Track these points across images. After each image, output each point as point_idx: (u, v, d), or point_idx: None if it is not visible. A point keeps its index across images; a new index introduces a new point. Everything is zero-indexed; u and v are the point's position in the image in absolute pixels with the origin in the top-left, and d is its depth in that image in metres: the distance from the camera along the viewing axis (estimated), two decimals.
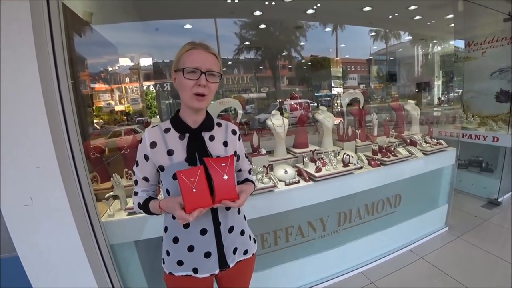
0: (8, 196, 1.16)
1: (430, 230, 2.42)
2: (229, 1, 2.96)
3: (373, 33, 5.34)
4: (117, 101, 2.72)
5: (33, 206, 1.20)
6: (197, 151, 0.94)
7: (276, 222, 1.80)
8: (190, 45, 0.91)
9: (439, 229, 2.47)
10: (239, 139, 1.09)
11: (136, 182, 1.03)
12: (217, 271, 1.00)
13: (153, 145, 0.94)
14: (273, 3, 3.14)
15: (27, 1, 1.08)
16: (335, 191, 1.88)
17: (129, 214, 1.52)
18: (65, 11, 1.29)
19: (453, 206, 2.68)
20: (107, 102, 2.45)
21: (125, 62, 3.17)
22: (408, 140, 2.36)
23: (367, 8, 3.26)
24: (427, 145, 2.30)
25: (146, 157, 0.96)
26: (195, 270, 0.98)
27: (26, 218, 1.20)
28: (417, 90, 5.12)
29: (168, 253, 1.01)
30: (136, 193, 1.04)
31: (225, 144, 1.02)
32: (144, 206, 0.99)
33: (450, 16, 2.78)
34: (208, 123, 0.99)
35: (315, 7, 3.32)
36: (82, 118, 2.01)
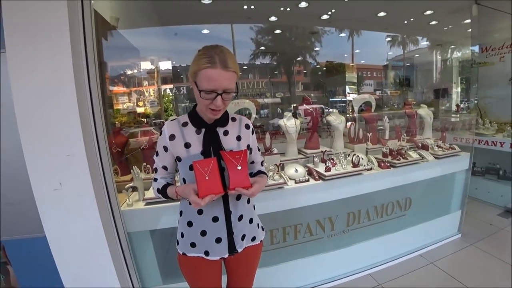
0: (40, 180, 1.29)
1: (442, 236, 2.38)
2: (245, 7, 3.07)
3: (389, 39, 5.31)
4: (135, 103, 2.88)
5: (62, 191, 1.32)
6: (211, 145, 1.02)
7: (286, 219, 1.85)
8: (208, 59, 0.89)
9: (452, 235, 2.42)
10: (252, 133, 1.16)
11: (156, 170, 1.13)
12: (226, 255, 1.07)
13: (172, 137, 1.03)
14: (288, 9, 3.23)
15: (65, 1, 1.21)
16: (344, 191, 1.91)
17: (146, 204, 1.62)
18: (96, 16, 1.42)
19: (468, 213, 2.62)
20: (125, 104, 2.60)
21: (146, 65, 3.35)
22: (420, 144, 2.35)
23: (382, 14, 3.27)
24: (439, 149, 2.28)
25: (166, 148, 1.05)
26: (207, 253, 1.06)
27: (55, 201, 1.32)
28: (435, 96, 5.03)
29: (182, 235, 1.10)
30: (155, 180, 1.13)
31: (238, 138, 1.09)
32: (163, 191, 1.08)
33: (468, 21, 2.75)
34: (222, 119, 1.06)
35: (329, 13, 3.38)
36: (106, 116, 2.16)
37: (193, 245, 1.07)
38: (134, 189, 1.74)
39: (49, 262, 1.36)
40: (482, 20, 2.63)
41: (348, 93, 7.74)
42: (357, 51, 5.40)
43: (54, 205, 1.33)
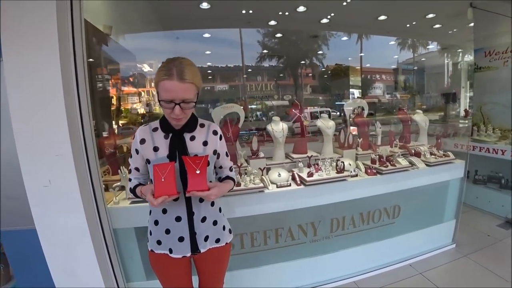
0: (32, 177, 1.40)
1: (434, 246, 2.32)
2: (243, 11, 3.14)
3: (392, 42, 5.21)
4: (132, 106, 3.03)
5: (51, 188, 1.43)
6: (177, 149, 1.09)
7: (267, 222, 1.88)
8: (166, 71, 0.95)
9: (445, 245, 2.35)
10: (220, 139, 1.21)
11: (130, 171, 1.22)
12: (188, 254, 1.14)
13: (142, 141, 1.11)
14: (287, 13, 3.27)
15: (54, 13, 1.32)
16: (326, 197, 1.92)
17: (132, 203, 1.71)
18: (87, 25, 1.53)
19: (465, 223, 2.55)
20: (121, 106, 2.73)
21: (144, 68, 3.49)
22: (413, 151, 2.31)
23: (382, 17, 3.24)
24: (432, 156, 2.23)
25: (137, 151, 1.14)
26: (170, 251, 1.13)
27: (44, 197, 1.43)
28: (445, 101, 4.90)
29: (150, 233, 1.18)
30: (130, 180, 1.22)
31: (205, 143, 1.15)
32: (133, 190, 1.16)
33: (471, 24, 2.67)
34: (190, 125, 1.13)
35: (329, 17, 3.38)
36: (102, 118, 2.29)
37: (159, 242, 1.14)
38: (122, 188, 1.83)
39: (39, 252, 1.47)
40: (485, 24, 2.55)
41: (358, 97, 7.64)
42: (361, 54, 5.33)
43: (43, 201, 1.44)
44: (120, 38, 2.61)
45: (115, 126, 2.53)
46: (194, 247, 1.14)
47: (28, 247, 1.48)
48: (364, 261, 2.13)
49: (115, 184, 1.76)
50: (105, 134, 2.28)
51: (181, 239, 1.12)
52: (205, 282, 1.31)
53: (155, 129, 1.13)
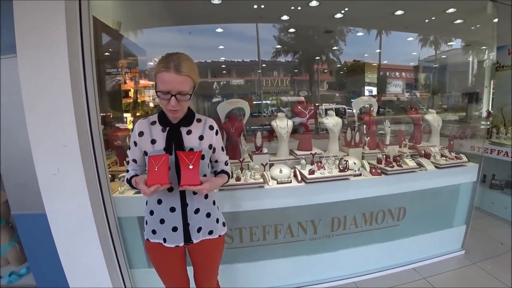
0: (42, 165, 1.50)
1: (441, 251, 2.23)
2: (255, 6, 3.11)
3: (411, 38, 4.97)
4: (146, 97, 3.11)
5: (59, 176, 1.52)
6: (174, 142, 1.13)
7: (266, 218, 1.89)
8: (164, 64, 0.99)
9: (454, 251, 2.26)
10: (216, 134, 1.24)
11: (128, 162, 1.26)
12: (181, 244, 1.17)
13: (140, 134, 1.16)
14: (299, 8, 3.21)
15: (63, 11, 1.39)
16: (326, 195, 1.90)
17: (135, 193, 1.78)
18: (95, 22, 1.59)
19: (478, 229, 2.44)
20: (129, 100, 2.80)
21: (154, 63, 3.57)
22: (423, 152, 2.22)
23: (399, 12, 3.10)
24: (443, 158, 2.14)
25: (135, 143, 1.18)
26: (164, 240, 1.17)
27: (53, 184, 1.52)
28: (468, 101, 4.67)
29: (146, 222, 1.23)
30: (127, 171, 1.26)
31: (201, 138, 1.18)
32: (129, 181, 1.21)
33: (495, 20, 2.50)
34: (187, 120, 1.16)
35: (343, 12, 3.28)
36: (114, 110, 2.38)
37: (154, 232, 1.19)
38: None
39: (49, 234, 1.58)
40: (509, 20, 2.38)
41: (370, 95, 7.41)
42: (378, 51, 5.14)
43: (53, 188, 1.53)
44: (132, 34, 2.68)
45: (131, 118, 2.62)
46: (187, 238, 1.17)
47: (40, 231, 1.57)
48: (366, 262, 2.10)
49: (120, 175, 1.84)
50: (122, 126, 2.37)
51: (174, 229, 1.16)
52: (199, 272, 1.34)
53: (153, 123, 1.17)
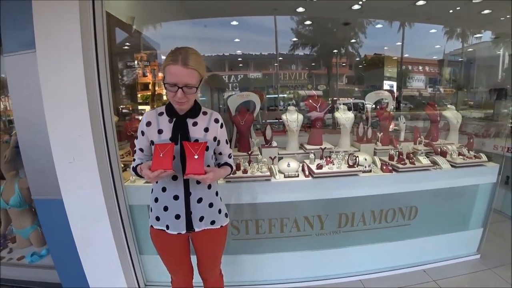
0: (60, 155, 1.59)
1: (454, 254, 2.14)
2: None
3: (434, 30, 4.69)
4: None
5: (74, 164, 1.60)
6: (180, 133, 1.16)
7: (272, 211, 1.89)
8: (172, 57, 1.03)
9: (468, 255, 2.16)
10: (221, 127, 1.26)
11: (135, 151, 1.30)
12: (183, 232, 1.21)
13: (148, 124, 1.20)
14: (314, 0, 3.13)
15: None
16: (334, 191, 1.87)
17: (146, 182, 1.84)
18: (109, 18, 1.64)
19: (497, 233, 2.33)
20: (147, 93, 2.88)
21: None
22: (439, 150, 2.13)
23: (420, 2, 2.95)
24: (460, 157, 2.03)
25: (143, 133, 1.22)
26: (167, 227, 1.21)
27: (69, 172, 1.61)
28: (496, 98, 4.39)
29: (151, 209, 1.27)
30: (134, 160, 1.31)
31: (206, 130, 1.21)
32: (135, 169, 1.25)
33: None
34: (193, 112, 1.20)
35: (360, 3, 3.17)
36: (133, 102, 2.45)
37: (157, 218, 1.23)
38: None
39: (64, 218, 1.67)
40: None
41: (391, 90, 7.13)
42: (398, 43, 4.91)
43: (68, 175, 1.62)
44: (146, 28, 2.74)
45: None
46: (189, 226, 1.21)
47: (57, 215, 1.67)
48: (373, 261, 2.06)
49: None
50: (139, 117, 2.46)
51: (177, 216, 1.19)
52: (202, 261, 1.38)
53: (160, 114, 1.21)
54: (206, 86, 4.27)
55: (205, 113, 1.24)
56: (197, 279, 1.44)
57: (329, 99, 8.72)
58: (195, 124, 1.19)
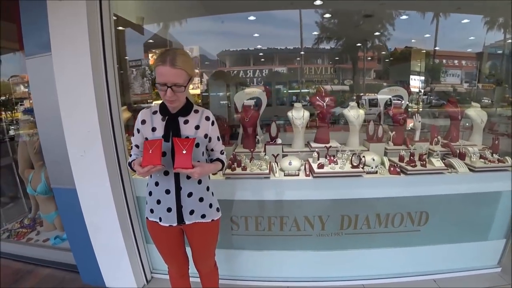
0: (73, 149, 1.74)
1: (470, 266, 1.97)
2: None
3: (466, 20, 4.24)
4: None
5: (85, 157, 1.73)
6: (171, 131, 1.21)
7: (272, 209, 1.89)
8: (161, 58, 1.09)
9: (487, 267, 1.97)
10: (212, 124, 1.30)
11: (131, 148, 1.38)
12: (175, 224, 1.27)
13: (143, 122, 1.27)
14: None
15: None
16: (335, 191, 1.82)
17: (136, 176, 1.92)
18: (117, 19, 1.72)
19: None
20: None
21: (190, 53, 3.71)
22: (457, 151, 1.96)
23: None
24: (481, 160, 1.85)
25: (138, 130, 1.29)
26: (160, 219, 1.28)
27: (81, 164, 1.75)
28: None
29: (147, 202, 1.35)
30: (130, 155, 1.38)
31: (197, 127, 1.25)
32: (130, 164, 1.32)
33: None
34: (184, 110, 1.25)
35: None
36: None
37: (151, 211, 1.30)
38: None
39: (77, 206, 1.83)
40: None
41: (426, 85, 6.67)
42: (427, 35, 4.55)
43: (80, 167, 1.77)
44: (163, 26, 2.83)
45: None
46: (180, 219, 1.26)
47: (72, 203, 1.82)
48: (378, 266, 1.97)
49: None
50: None
51: (169, 209, 1.25)
52: (196, 253, 1.44)
53: (154, 112, 1.27)
54: (222, 82, 4.36)
55: (196, 111, 1.28)
56: (194, 270, 1.49)
57: (354, 94, 8.38)
58: (186, 122, 1.24)
